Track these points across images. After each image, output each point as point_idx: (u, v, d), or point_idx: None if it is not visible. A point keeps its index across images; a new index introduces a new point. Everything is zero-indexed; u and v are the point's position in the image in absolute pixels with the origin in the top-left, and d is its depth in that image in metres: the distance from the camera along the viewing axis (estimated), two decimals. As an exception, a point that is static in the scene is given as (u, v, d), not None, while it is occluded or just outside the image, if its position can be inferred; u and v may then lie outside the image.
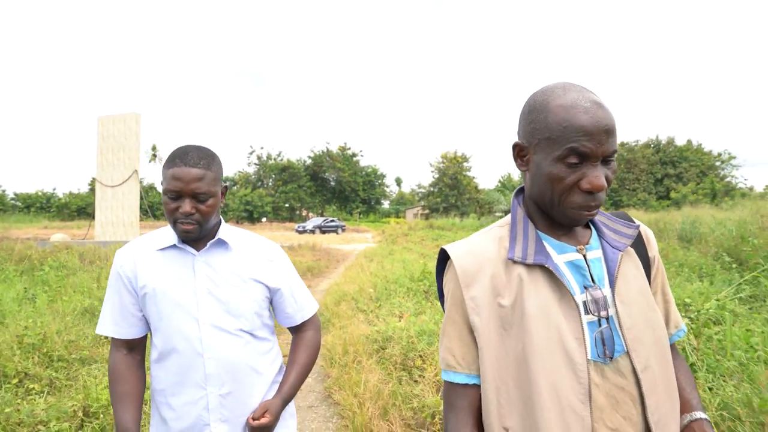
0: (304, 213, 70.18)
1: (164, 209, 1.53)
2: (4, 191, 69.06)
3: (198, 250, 1.61)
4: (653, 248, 1.19)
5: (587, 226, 1.16)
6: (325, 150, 72.35)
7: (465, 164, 62.62)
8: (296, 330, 1.80)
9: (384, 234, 31.23)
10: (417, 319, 6.13)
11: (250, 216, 61.98)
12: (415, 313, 6.69)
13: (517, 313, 1.03)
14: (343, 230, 44.66)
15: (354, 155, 74.24)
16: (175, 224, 1.53)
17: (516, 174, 69.40)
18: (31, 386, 4.21)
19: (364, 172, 74.50)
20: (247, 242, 1.69)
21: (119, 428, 1.54)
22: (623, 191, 53.21)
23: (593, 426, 0.98)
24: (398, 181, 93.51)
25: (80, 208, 62.93)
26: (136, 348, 1.68)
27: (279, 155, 71.03)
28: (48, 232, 30.51)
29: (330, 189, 72.38)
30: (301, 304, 1.77)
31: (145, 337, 1.69)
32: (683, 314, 4.64)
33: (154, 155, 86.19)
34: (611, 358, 1.02)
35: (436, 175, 63.00)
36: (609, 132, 0.99)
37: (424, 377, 4.40)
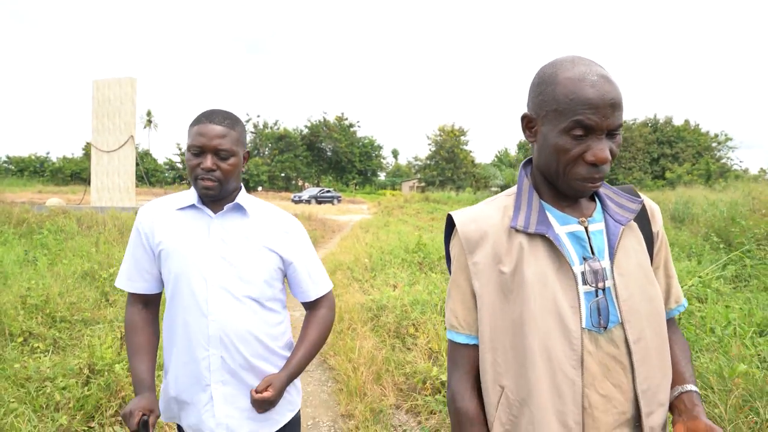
0: (300, 183, 70.02)
1: (187, 166, 1.57)
2: (-3, 154, 68.54)
3: (215, 212, 1.63)
4: (657, 223, 1.21)
5: (592, 199, 1.18)
6: (322, 120, 71.77)
7: (462, 138, 62.39)
8: (310, 306, 1.80)
9: (380, 206, 31.33)
10: (411, 289, 6.29)
11: (245, 184, 61.77)
12: (409, 283, 6.84)
13: (516, 280, 1.07)
14: (339, 201, 44.70)
15: (351, 126, 73.79)
16: (196, 181, 1.56)
17: (513, 149, 69.31)
18: (36, 345, 4.35)
19: (360, 143, 74.14)
20: (265, 211, 1.70)
21: (135, 379, 1.61)
22: (619, 170, 53.29)
23: (584, 391, 1.03)
24: (395, 153, 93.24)
25: (74, 173, 62.45)
26: (151, 303, 1.73)
27: (275, 124, 70.52)
28: (43, 197, 30.43)
29: (326, 159, 72.08)
30: (316, 281, 1.76)
31: (159, 294, 1.74)
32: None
33: (149, 121, 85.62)
34: (605, 327, 1.06)
35: (433, 148, 62.79)
36: (615, 106, 1.00)
37: (416, 344, 4.57)
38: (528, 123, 1.13)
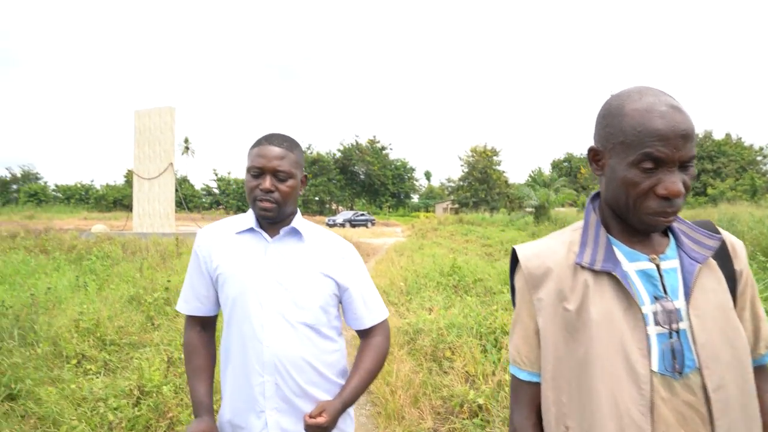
0: (334, 206, 70.74)
1: (246, 188, 1.58)
2: (46, 183, 71.66)
3: (272, 236, 1.63)
4: (741, 261, 1.13)
5: (665, 235, 1.12)
6: (354, 143, 72.74)
7: (495, 158, 62.27)
8: (364, 334, 1.76)
9: (413, 228, 31.41)
10: (446, 312, 6.33)
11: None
12: (445, 306, 6.89)
13: (581, 319, 1.03)
14: (373, 224, 44.94)
15: (383, 148, 74.46)
16: (254, 203, 1.56)
17: (546, 168, 68.68)
18: (89, 367, 4.56)
19: (393, 166, 74.66)
20: (321, 236, 1.69)
21: (194, 400, 1.64)
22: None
23: None
24: (428, 175, 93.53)
25: (117, 200, 64.77)
26: (208, 325, 1.75)
27: (308, 148, 71.65)
28: (88, 223, 31.57)
29: (359, 182, 72.74)
30: (371, 308, 1.72)
31: (216, 316, 1.76)
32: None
33: (187, 148, 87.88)
34: (681, 372, 0.99)
35: (466, 169, 62.81)
36: (686, 137, 0.96)
37: (453, 368, 4.60)
38: (594, 156, 1.10)
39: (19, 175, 74.76)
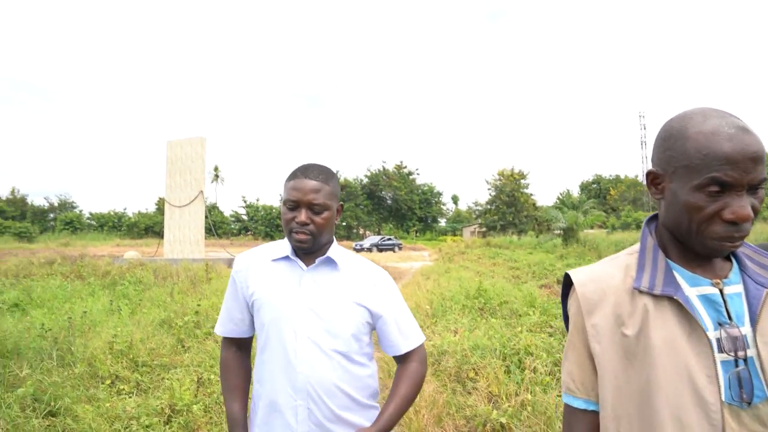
0: (361, 231, 71.08)
1: (282, 220, 1.63)
2: (81, 211, 73.87)
3: (308, 264, 1.66)
4: None
5: (728, 259, 1.08)
6: (381, 168, 73.31)
7: (522, 181, 62.01)
8: (400, 360, 1.76)
9: (441, 252, 31.36)
10: (471, 334, 6.35)
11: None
12: (470, 329, 6.90)
13: (641, 345, 0.99)
14: (400, 248, 44.97)
15: (410, 173, 74.86)
16: (290, 234, 1.60)
17: (575, 190, 68.00)
18: (122, 387, 4.73)
19: (420, 190, 74.94)
20: (355, 265, 1.71)
21: (229, 417, 1.71)
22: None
23: None
24: (455, 199, 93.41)
25: (148, 227, 66.30)
26: (244, 346, 1.82)
27: (336, 173, 72.39)
28: (120, 250, 32.42)
29: (387, 207, 73.08)
30: (406, 334, 1.73)
31: (252, 337, 1.82)
32: None
33: (216, 176, 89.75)
34: (749, 403, 0.94)
35: (493, 193, 62.63)
36: (756, 159, 0.92)
37: (476, 388, 4.63)
38: (654, 179, 1.07)
39: (56, 204, 77.44)
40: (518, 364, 5.05)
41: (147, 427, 3.75)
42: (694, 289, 1.01)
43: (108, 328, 6.48)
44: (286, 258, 1.68)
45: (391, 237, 48.53)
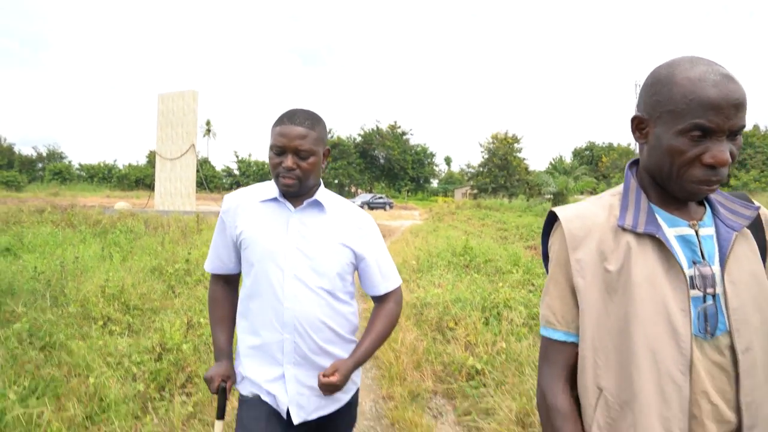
0: (353, 189, 71.05)
1: (269, 164, 1.66)
2: (70, 162, 73.13)
3: (295, 206, 1.70)
4: None
5: (701, 204, 1.13)
6: (375, 128, 72.71)
7: (515, 145, 61.79)
8: (378, 300, 1.85)
9: (431, 212, 31.58)
10: (454, 288, 6.56)
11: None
12: (453, 283, 7.11)
13: (622, 279, 1.04)
14: (391, 207, 45.16)
15: (404, 134, 74.31)
16: (277, 178, 1.64)
17: (567, 156, 68.01)
18: (113, 328, 4.89)
19: (413, 151, 74.55)
20: (341, 208, 1.78)
21: (215, 346, 1.80)
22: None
23: (692, 398, 0.99)
24: (447, 161, 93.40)
25: (138, 179, 65.94)
26: (231, 281, 1.89)
27: (329, 132, 71.77)
28: (111, 201, 32.36)
29: (379, 166, 72.82)
30: (387, 275, 1.82)
31: (239, 273, 1.86)
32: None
33: (209, 130, 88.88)
34: (712, 335, 1.02)
35: (486, 156, 62.43)
36: (738, 106, 0.96)
37: (455, 338, 4.84)
38: (639, 124, 1.10)
39: (44, 154, 76.61)
40: (497, 317, 5.26)
41: (138, 363, 3.92)
42: (672, 229, 1.07)
43: (100, 273, 6.61)
44: (275, 199, 1.71)
45: (383, 195, 48.61)
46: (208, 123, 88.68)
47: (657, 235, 1.03)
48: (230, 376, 1.75)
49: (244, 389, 1.74)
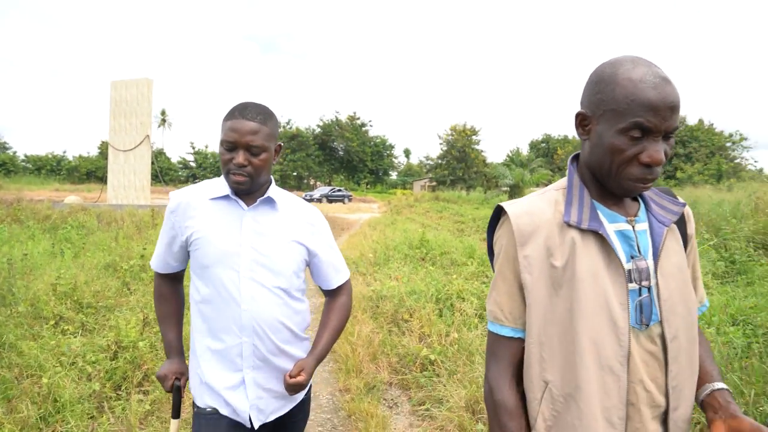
0: (312, 182, 70.60)
1: (220, 160, 1.61)
2: (15, 153, 69.77)
3: (248, 204, 1.67)
4: (692, 226, 1.24)
5: (635, 199, 1.19)
6: (334, 119, 72.37)
7: (474, 137, 62.55)
8: (331, 294, 1.87)
9: (390, 205, 31.74)
10: (409, 280, 6.71)
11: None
12: (409, 276, 7.25)
13: (567, 275, 1.08)
14: (350, 200, 45.19)
15: (363, 125, 74.23)
16: (228, 175, 1.60)
17: (525, 149, 69.35)
18: (66, 327, 4.80)
19: (372, 143, 74.57)
20: (293, 204, 1.76)
21: (166, 343, 1.79)
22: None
23: (630, 386, 1.05)
24: (407, 153, 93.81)
25: (90, 172, 63.68)
26: (178, 277, 1.86)
27: (288, 123, 71.10)
28: (60, 195, 31.26)
29: (338, 158, 72.57)
30: (338, 269, 1.84)
31: (185, 269, 1.85)
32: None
33: (164, 120, 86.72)
34: (647, 325, 1.08)
35: (445, 148, 62.99)
36: (674, 109, 1.01)
37: (410, 330, 4.98)
38: (582, 121, 1.14)
39: (-15, 145, 73.09)
40: (450, 308, 5.43)
41: (93, 362, 3.90)
42: (612, 225, 1.12)
43: (51, 270, 6.46)
44: (226, 197, 1.67)
45: (342, 188, 48.61)
46: (163, 113, 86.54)
47: (600, 232, 1.08)
48: (183, 373, 1.76)
49: (201, 400, 1.69)
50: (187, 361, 1.85)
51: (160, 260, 1.80)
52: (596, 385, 1.04)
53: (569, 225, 1.10)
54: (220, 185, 1.69)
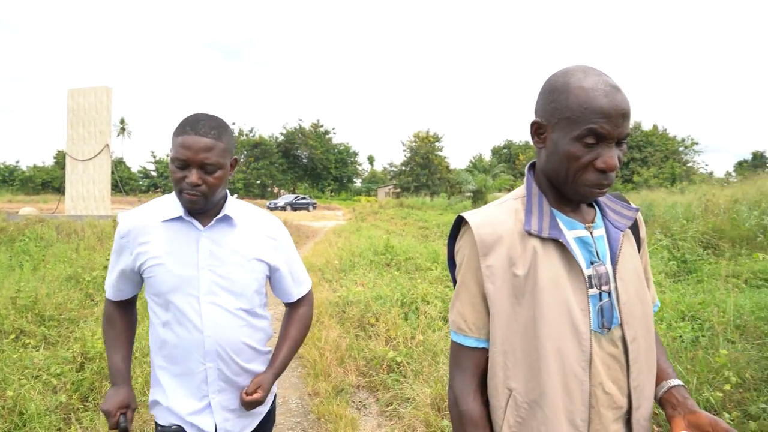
0: (276, 190, 70.10)
1: (171, 178, 1.49)
2: (-36, 163, 67.35)
3: (204, 224, 1.56)
4: (643, 230, 1.28)
5: (591, 205, 1.21)
6: (297, 127, 72.20)
7: (437, 144, 63.34)
8: (291, 305, 1.81)
9: (354, 212, 31.83)
10: (374, 285, 6.82)
11: (221, 192, 61.52)
12: (375, 281, 7.37)
13: (529, 283, 1.08)
14: (314, 208, 45.05)
15: (327, 132, 74.28)
16: (180, 194, 1.48)
17: (487, 155, 70.38)
18: (27, 341, 4.73)
19: (336, 150, 74.67)
20: (252, 219, 1.67)
21: (111, 368, 1.65)
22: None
23: (591, 390, 1.07)
24: (371, 160, 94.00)
25: (45, 182, 61.95)
26: (131, 301, 1.75)
27: (251, 131, 70.66)
28: (14, 206, 30.30)
29: (302, 166, 72.36)
30: (300, 281, 1.78)
31: (137, 294, 1.75)
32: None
33: (123, 129, 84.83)
34: (609, 329, 1.10)
35: (408, 154, 63.59)
36: (625, 115, 1.04)
37: (377, 333, 5.10)
38: (537, 129, 1.15)
39: (-66, 155, 69.98)
40: (415, 311, 5.57)
41: (58, 375, 3.87)
42: (571, 232, 1.14)
43: (9, 284, 6.32)
44: (180, 218, 1.55)
45: (306, 196, 48.39)
46: (122, 121, 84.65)
47: (560, 239, 1.09)
48: (130, 405, 1.61)
49: (164, 419, 1.61)
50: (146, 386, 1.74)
51: (113, 288, 1.69)
52: (560, 391, 1.05)
53: (530, 234, 1.11)
54: (172, 205, 1.58)
